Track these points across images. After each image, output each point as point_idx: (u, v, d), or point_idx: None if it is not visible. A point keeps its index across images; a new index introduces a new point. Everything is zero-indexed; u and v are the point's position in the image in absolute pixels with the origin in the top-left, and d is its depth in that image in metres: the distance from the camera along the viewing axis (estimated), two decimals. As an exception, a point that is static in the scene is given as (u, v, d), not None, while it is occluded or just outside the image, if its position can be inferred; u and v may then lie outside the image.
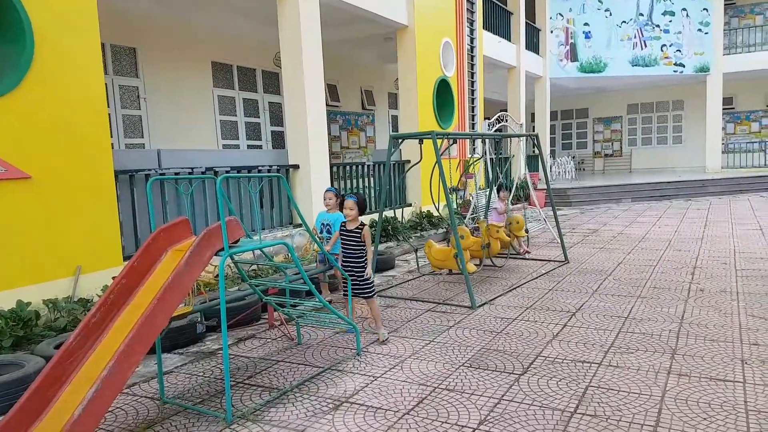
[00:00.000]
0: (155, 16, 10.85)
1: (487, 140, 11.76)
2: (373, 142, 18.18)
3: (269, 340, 5.41)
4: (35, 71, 5.49)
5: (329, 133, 15.04)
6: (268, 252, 7.12)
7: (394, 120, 18.91)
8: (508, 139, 11.02)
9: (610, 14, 22.83)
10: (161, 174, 7.24)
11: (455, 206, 12.42)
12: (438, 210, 8.60)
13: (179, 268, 3.47)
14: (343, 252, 5.25)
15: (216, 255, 3.81)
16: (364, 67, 17.42)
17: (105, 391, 2.98)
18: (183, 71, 11.63)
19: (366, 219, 10.43)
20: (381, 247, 9.39)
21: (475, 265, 7.54)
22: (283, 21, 9.05)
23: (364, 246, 5.17)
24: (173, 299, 3.45)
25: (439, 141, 6.67)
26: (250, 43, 12.94)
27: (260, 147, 13.63)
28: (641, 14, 22.83)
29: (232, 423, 3.64)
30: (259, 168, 8.72)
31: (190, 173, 7.59)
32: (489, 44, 17.07)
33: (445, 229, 11.37)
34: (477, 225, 8.56)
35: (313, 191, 9.13)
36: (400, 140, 7.56)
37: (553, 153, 27.00)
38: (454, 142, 11.51)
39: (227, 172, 8.13)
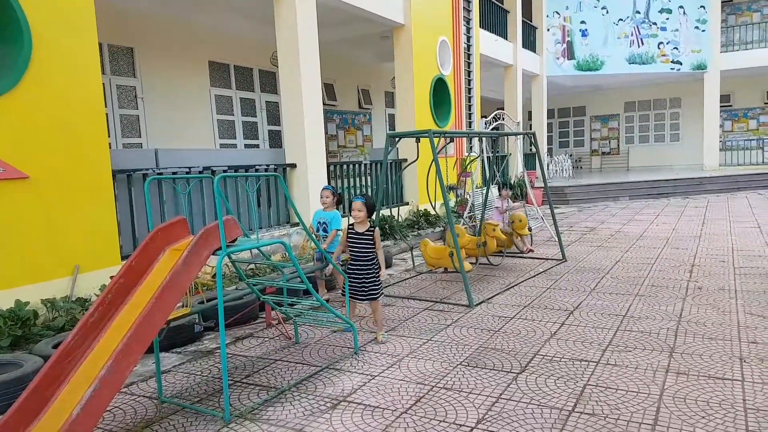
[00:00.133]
0: (152, 16, 10.83)
1: (484, 139, 11.77)
2: (370, 140, 18.17)
3: (267, 339, 5.41)
4: (33, 71, 5.48)
5: (326, 132, 15.03)
6: (266, 251, 7.12)
7: (391, 119, 18.91)
8: (505, 137, 11.03)
9: (607, 12, 22.84)
10: (159, 173, 7.23)
11: (452, 205, 12.43)
12: (435, 208, 8.60)
13: (177, 268, 3.47)
14: (352, 254, 5.16)
15: (214, 254, 3.81)
16: (360, 66, 17.41)
17: (103, 390, 2.97)
18: (180, 71, 11.61)
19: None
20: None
21: (471, 263, 7.54)
22: (279, 20, 9.04)
23: (374, 248, 5.12)
24: (171, 298, 3.45)
25: (436, 139, 6.67)
26: (247, 42, 12.92)
27: (257, 146, 13.62)
28: (638, 12, 22.84)
29: (230, 422, 3.64)
30: (257, 167, 8.71)
31: (187, 173, 7.58)
32: (486, 43, 17.08)
33: (442, 228, 11.37)
34: (474, 224, 8.58)
35: (310, 190, 9.12)
36: (397, 139, 7.56)
37: (550, 151, 27.01)
38: (451, 140, 11.52)
39: (224, 171, 8.13)
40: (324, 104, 11.65)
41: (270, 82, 13.91)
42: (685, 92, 26.60)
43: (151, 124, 11.01)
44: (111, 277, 3.77)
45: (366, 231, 5.11)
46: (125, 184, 6.84)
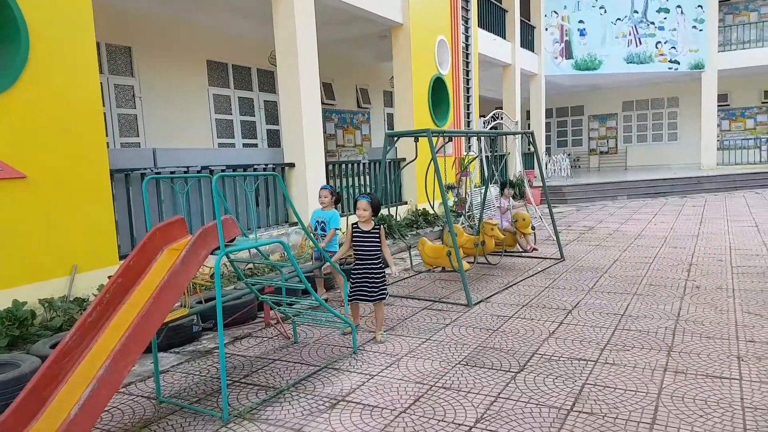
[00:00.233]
0: (150, 15, 10.81)
1: (482, 138, 11.77)
2: (369, 140, 18.17)
3: (265, 338, 5.40)
4: (30, 70, 5.47)
5: (325, 132, 15.01)
6: (264, 250, 7.11)
7: (390, 118, 18.91)
8: (504, 136, 11.04)
9: (605, 11, 22.86)
10: (157, 173, 7.22)
11: (451, 204, 12.43)
12: (433, 208, 8.60)
13: (175, 267, 3.47)
14: (358, 254, 5.10)
15: (212, 254, 3.80)
16: (359, 66, 17.41)
17: (101, 390, 2.97)
18: (178, 70, 11.60)
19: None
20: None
21: (468, 262, 7.54)
22: (278, 19, 9.04)
23: (380, 246, 5.09)
24: (169, 298, 3.44)
25: (434, 139, 6.66)
26: (246, 41, 12.91)
27: (256, 145, 13.61)
28: (636, 11, 22.87)
29: (228, 422, 3.63)
30: (255, 166, 8.70)
31: (185, 172, 7.57)
32: (484, 42, 17.09)
33: (440, 227, 11.37)
34: (472, 223, 8.57)
35: (308, 189, 9.12)
36: (395, 138, 7.56)
37: (548, 150, 27.02)
38: (450, 140, 11.51)
39: (223, 170, 8.12)
40: (322, 103, 11.64)
41: (268, 81, 13.91)
42: (682, 91, 26.63)
43: (149, 123, 11.00)
44: (109, 277, 3.77)
45: (372, 229, 5.08)
46: (123, 183, 6.83)
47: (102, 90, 7.43)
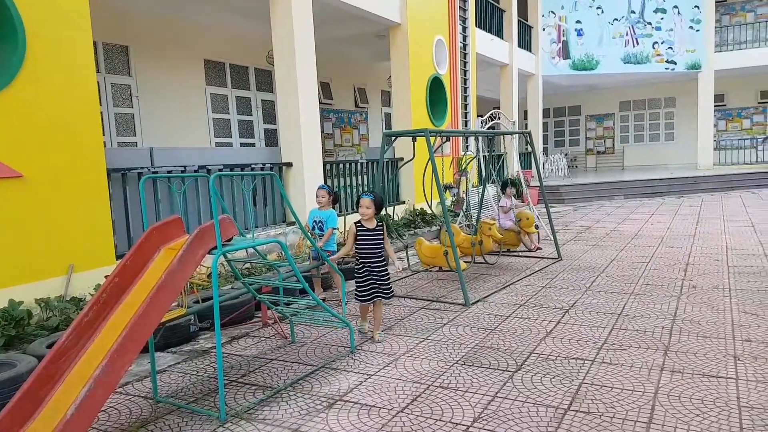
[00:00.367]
0: (147, 14, 10.80)
1: (480, 138, 11.77)
2: (366, 139, 18.17)
3: (263, 338, 5.40)
4: (27, 70, 5.45)
5: (322, 131, 15.02)
6: (262, 250, 7.11)
7: (387, 118, 18.90)
8: (501, 136, 11.04)
9: (602, 12, 22.89)
10: (154, 172, 7.21)
11: (448, 204, 12.44)
12: (431, 207, 8.60)
13: (172, 267, 3.46)
14: (362, 253, 5.09)
15: (209, 253, 3.80)
16: (357, 65, 17.40)
17: (98, 390, 2.96)
18: (175, 69, 11.58)
19: (359, 217, 10.44)
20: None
21: (466, 262, 7.54)
22: (275, 19, 9.02)
23: (383, 244, 5.10)
24: (166, 298, 3.44)
25: (432, 139, 6.67)
26: (243, 40, 12.90)
27: (253, 145, 13.60)
28: (633, 12, 22.90)
29: (225, 422, 3.63)
30: (252, 166, 8.69)
31: (182, 171, 7.56)
32: (481, 42, 17.09)
33: (438, 227, 11.37)
34: (470, 223, 8.55)
35: (306, 189, 9.11)
36: (393, 138, 7.57)
37: (545, 150, 27.07)
38: (447, 139, 11.51)
39: (220, 170, 8.11)
40: (320, 103, 11.62)
41: (266, 80, 13.89)
42: (679, 92, 26.69)
43: (146, 122, 10.98)
44: (106, 277, 3.76)
45: (376, 227, 5.08)
46: (120, 183, 6.82)
47: (99, 89, 7.40)
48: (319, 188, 6.70)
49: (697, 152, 23.73)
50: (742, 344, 4.64)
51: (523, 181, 12.42)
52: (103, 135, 8.80)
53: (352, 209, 10.80)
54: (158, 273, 3.58)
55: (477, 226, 7.94)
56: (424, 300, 6.53)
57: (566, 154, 25.87)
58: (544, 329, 5.25)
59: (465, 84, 15.35)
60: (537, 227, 8.83)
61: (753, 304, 5.77)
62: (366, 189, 11.32)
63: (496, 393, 3.88)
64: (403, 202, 12.57)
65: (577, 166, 28.99)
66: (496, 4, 19.17)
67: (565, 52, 23.08)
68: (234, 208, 8.26)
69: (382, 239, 5.09)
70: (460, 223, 10.26)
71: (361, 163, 11.52)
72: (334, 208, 6.71)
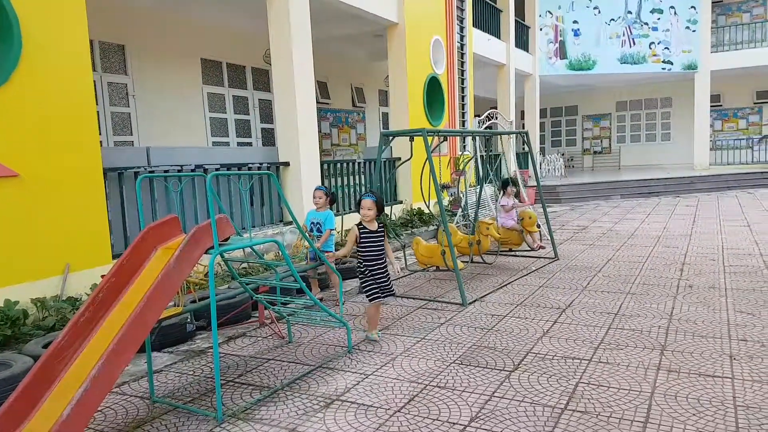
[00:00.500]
0: (144, 13, 10.77)
1: (477, 138, 11.78)
2: (364, 139, 18.17)
3: (259, 338, 5.39)
4: (23, 68, 5.43)
5: (320, 131, 15.01)
6: (259, 250, 7.10)
7: (385, 117, 18.90)
8: (498, 136, 11.04)
9: (599, 12, 22.92)
10: (150, 171, 7.20)
11: (446, 203, 12.44)
12: (428, 207, 8.60)
13: (169, 267, 3.45)
14: (365, 255, 4.96)
15: (206, 253, 3.79)
16: (354, 65, 17.39)
17: (94, 390, 2.95)
18: (172, 68, 11.56)
19: (356, 217, 10.44)
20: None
21: (463, 262, 7.55)
22: (272, 18, 9.01)
23: (385, 246, 5.05)
24: (163, 298, 3.43)
25: (429, 138, 6.67)
26: (240, 40, 12.88)
27: (250, 144, 13.59)
28: (629, 12, 22.94)
29: (222, 422, 3.62)
30: (249, 165, 8.68)
31: (179, 171, 7.55)
32: (479, 42, 17.10)
33: (435, 227, 11.37)
34: (467, 222, 8.54)
35: (303, 189, 9.11)
36: (390, 138, 7.55)
37: (542, 150, 27.10)
38: (445, 139, 11.51)
39: (217, 169, 8.10)
40: (317, 102, 11.59)
41: (263, 79, 13.88)
42: (676, 92, 26.73)
43: (143, 121, 10.96)
44: (102, 276, 3.75)
45: (379, 228, 5.02)
46: (116, 182, 6.81)
47: (95, 88, 7.40)
48: (316, 189, 6.69)
49: (694, 152, 23.79)
50: (738, 344, 4.65)
51: (520, 181, 12.44)
52: (100, 134, 8.77)
53: (350, 209, 10.80)
54: (155, 273, 3.57)
55: (474, 226, 7.94)
56: (421, 300, 6.53)
57: (563, 154, 25.90)
58: (541, 329, 5.26)
59: (462, 84, 15.35)
60: (538, 226, 8.82)
61: (749, 304, 5.79)
62: (364, 189, 11.31)
63: (493, 392, 3.88)
64: (401, 202, 12.58)
65: (573, 166, 29.03)
66: (493, 4, 19.19)
67: (562, 52, 23.11)
68: (231, 207, 8.26)
69: (384, 241, 5.04)
70: (457, 222, 10.26)
71: (359, 163, 11.52)
72: (331, 209, 6.70)
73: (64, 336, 3.30)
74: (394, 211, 11.62)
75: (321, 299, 6.39)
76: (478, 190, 9.41)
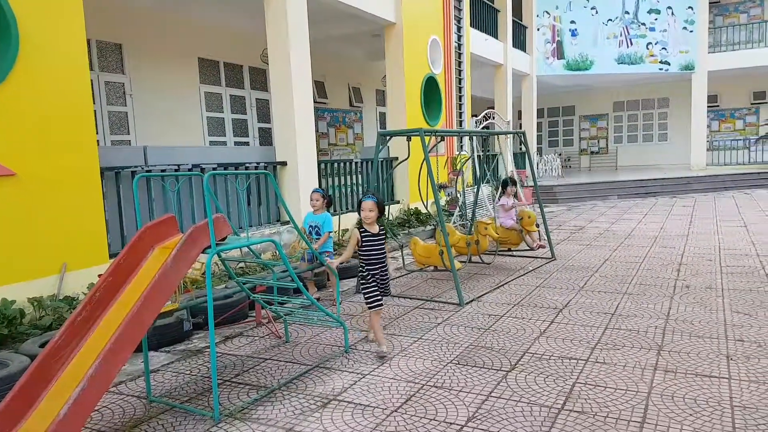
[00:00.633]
0: (141, 12, 10.75)
1: (474, 137, 11.79)
2: (361, 139, 18.16)
3: (257, 338, 5.39)
4: (20, 68, 5.42)
5: (317, 130, 15.00)
6: (256, 249, 7.10)
7: (382, 117, 18.90)
8: (496, 136, 11.06)
9: (597, 12, 22.95)
10: (147, 171, 7.19)
11: (443, 203, 12.45)
12: (426, 207, 8.61)
13: (166, 266, 3.45)
14: (367, 260, 4.76)
15: (203, 252, 3.79)
16: (351, 64, 17.39)
17: (91, 389, 2.95)
18: (169, 68, 11.55)
19: (354, 217, 10.45)
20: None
21: (461, 262, 7.55)
22: (270, 17, 9.01)
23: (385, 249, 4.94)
24: (160, 297, 3.43)
25: (427, 138, 6.67)
26: (237, 39, 12.87)
27: (247, 144, 13.58)
28: (627, 12, 22.97)
29: (219, 421, 3.62)
30: (247, 165, 8.68)
31: (176, 170, 7.53)
32: (476, 42, 17.11)
33: (433, 226, 11.38)
34: (464, 222, 8.54)
35: (300, 188, 9.10)
36: (388, 137, 7.55)
37: (539, 150, 27.12)
38: (442, 139, 11.51)
39: (214, 169, 8.09)
40: (315, 102, 11.60)
41: (260, 79, 13.87)
42: (673, 92, 26.78)
43: (140, 121, 10.95)
44: (99, 276, 3.74)
45: (380, 231, 4.85)
46: (113, 181, 6.79)
47: (92, 87, 7.38)
48: (313, 192, 6.70)
49: (691, 153, 23.84)
50: (734, 344, 4.66)
51: (517, 181, 12.45)
52: (97, 133, 8.76)
53: (347, 209, 10.80)
54: (152, 272, 3.56)
55: (472, 226, 7.94)
56: (418, 299, 6.53)
57: (560, 154, 25.93)
58: (537, 329, 5.26)
59: (459, 84, 15.36)
60: (537, 225, 8.83)
61: (745, 304, 5.80)
62: (361, 188, 11.31)
63: (490, 392, 3.89)
64: (398, 202, 12.58)
65: (570, 166, 29.05)
66: (490, 4, 19.20)
67: (559, 53, 23.13)
68: (228, 207, 8.25)
69: (385, 244, 4.90)
70: (454, 222, 10.27)
71: (356, 163, 11.51)
72: (328, 210, 6.70)
73: (61, 335, 3.29)
74: (392, 211, 11.61)
75: (318, 299, 6.39)
76: (475, 190, 9.42)
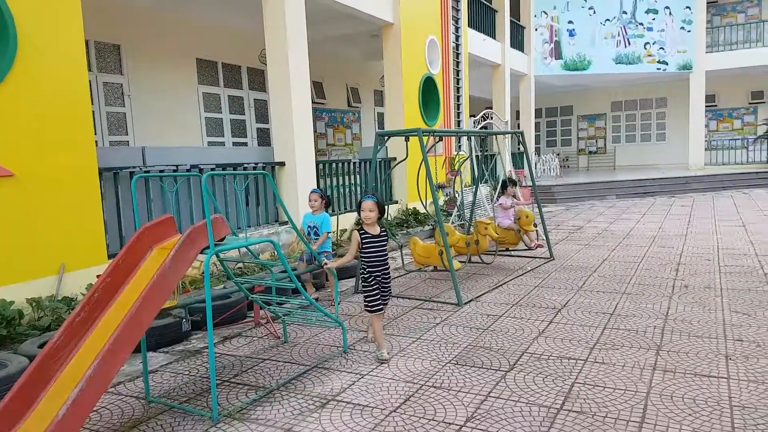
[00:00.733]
0: (139, 13, 10.74)
1: (472, 138, 11.80)
2: (359, 139, 18.15)
3: (255, 338, 5.39)
4: (18, 68, 5.41)
5: (315, 131, 14.99)
6: (254, 250, 7.09)
7: (380, 117, 18.90)
8: (494, 136, 11.07)
9: (594, 12, 22.96)
10: (146, 171, 7.18)
11: (441, 203, 12.45)
12: (425, 207, 8.61)
13: (164, 267, 3.45)
14: (370, 262, 4.62)
15: (201, 253, 3.79)
16: (349, 64, 17.39)
17: (90, 390, 2.95)
18: (168, 68, 11.54)
19: (351, 217, 10.45)
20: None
21: (461, 262, 7.55)
22: (268, 18, 9.00)
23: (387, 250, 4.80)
24: (158, 298, 3.42)
25: (425, 138, 6.67)
26: (236, 40, 12.86)
27: (245, 144, 13.57)
28: (625, 12, 22.99)
29: (218, 422, 3.62)
30: (245, 165, 8.67)
31: (174, 171, 7.53)
32: (474, 42, 17.12)
33: (431, 226, 11.39)
34: (463, 222, 8.54)
35: (299, 188, 9.10)
36: (386, 137, 7.55)
37: (537, 150, 27.13)
38: (440, 139, 11.51)
39: (212, 169, 8.08)
40: (313, 102, 11.62)
41: (258, 79, 13.86)
42: (671, 92, 26.81)
43: (138, 121, 10.94)
44: (97, 276, 3.74)
45: (381, 232, 4.71)
46: (112, 182, 6.79)
47: (91, 88, 7.35)
48: (311, 192, 6.70)
49: (689, 152, 23.86)
50: (733, 344, 4.67)
51: (516, 182, 12.45)
52: (95, 134, 8.75)
53: (345, 209, 10.80)
54: (150, 273, 3.56)
55: (470, 226, 7.94)
56: (416, 300, 6.53)
57: (558, 154, 25.95)
58: (536, 329, 5.26)
59: (457, 84, 15.36)
60: (535, 225, 8.84)
61: (744, 304, 5.81)
62: (359, 189, 11.31)
63: (489, 392, 3.89)
64: (396, 202, 12.57)
65: (569, 166, 29.08)
66: (488, 5, 19.20)
67: (557, 53, 23.15)
68: (226, 207, 8.24)
69: (387, 245, 4.77)
70: (452, 222, 10.28)
71: (354, 163, 11.51)
72: (326, 211, 6.70)
73: (60, 336, 3.29)
74: (390, 211, 11.61)
75: (316, 299, 6.38)
76: (473, 190, 9.42)
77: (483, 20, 18.52)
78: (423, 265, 7.82)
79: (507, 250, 8.96)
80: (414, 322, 5.63)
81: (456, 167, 12.82)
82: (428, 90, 13.56)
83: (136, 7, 10.56)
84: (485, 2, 18.84)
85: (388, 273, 4.77)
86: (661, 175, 20.29)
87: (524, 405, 3.67)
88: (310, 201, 6.65)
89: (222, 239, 4.00)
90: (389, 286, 4.79)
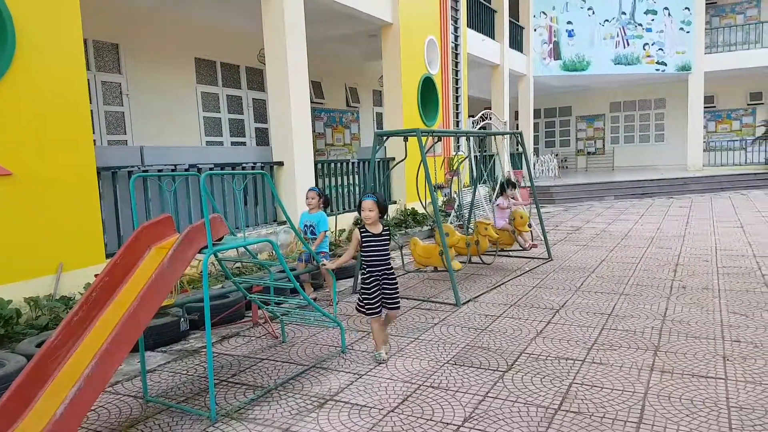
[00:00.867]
0: (138, 12, 10.73)
1: (471, 138, 11.80)
2: (358, 139, 18.15)
3: (253, 338, 5.39)
4: (17, 67, 5.41)
5: (314, 130, 14.98)
6: (253, 249, 7.08)
7: (379, 117, 18.89)
8: (492, 136, 11.06)
9: (593, 13, 22.98)
10: (144, 171, 7.18)
11: (440, 204, 12.45)
12: (424, 207, 8.60)
13: (162, 266, 3.44)
14: (370, 262, 4.50)
15: (200, 252, 3.78)
16: (348, 64, 17.38)
17: (87, 389, 2.94)
18: (166, 67, 11.53)
19: (350, 217, 10.45)
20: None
21: (461, 262, 7.55)
22: (267, 17, 9.00)
23: (389, 249, 4.65)
24: (156, 297, 3.42)
25: (423, 139, 6.67)
26: (234, 39, 12.85)
27: (244, 144, 13.56)
28: (624, 13, 23.01)
29: (216, 421, 3.62)
30: (243, 165, 8.67)
31: (173, 170, 7.52)
32: (473, 42, 17.12)
33: (430, 227, 11.39)
34: (461, 222, 8.54)
35: (297, 188, 9.09)
36: (384, 138, 7.55)
37: (536, 151, 27.16)
38: (439, 139, 11.51)
39: (211, 169, 8.08)
40: (311, 102, 11.60)
41: (257, 79, 13.85)
42: (669, 93, 26.83)
43: (137, 121, 10.92)
44: (95, 276, 3.73)
45: (383, 231, 4.56)
46: (110, 181, 6.78)
47: (89, 87, 7.33)
48: (308, 191, 6.68)
49: (687, 153, 23.88)
50: (731, 345, 4.67)
51: (515, 183, 12.45)
52: (93, 133, 8.74)
53: (344, 209, 10.79)
54: (148, 272, 3.56)
55: (469, 226, 7.94)
56: (415, 300, 6.54)
57: (557, 155, 25.97)
58: (534, 329, 5.27)
59: (456, 84, 15.37)
60: (530, 226, 8.83)
61: (742, 305, 5.81)
62: (358, 189, 11.31)
63: (487, 393, 3.89)
64: (395, 202, 12.58)
65: (567, 167, 29.10)
66: (487, 5, 19.21)
67: (556, 53, 23.16)
68: (225, 207, 8.24)
69: (389, 244, 4.63)
70: (451, 222, 10.28)
71: (353, 163, 11.51)
72: (325, 210, 6.69)
73: (58, 335, 3.28)
74: (389, 211, 11.61)
75: (315, 299, 6.38)
76: (472, 191, 9.42)
77: (482, 20, 18.53)
78: (423, 266, 7.82)
79: (502, 250, 8.95)
80: (412, 322, 5.63)
81: (455, 167, 12.82)
82: (427, 90, 13.56)
83: (134, 7, 10.55)
84: (484, 2, 18.85)
85: (391, 274, 4.57)
86: (659, 176, 20.31)
87: (522, 405, 3.67)
88: (307, 199, 6.63)
89: (220, 239, 3.99)
90: (392, 289, 4.55)
